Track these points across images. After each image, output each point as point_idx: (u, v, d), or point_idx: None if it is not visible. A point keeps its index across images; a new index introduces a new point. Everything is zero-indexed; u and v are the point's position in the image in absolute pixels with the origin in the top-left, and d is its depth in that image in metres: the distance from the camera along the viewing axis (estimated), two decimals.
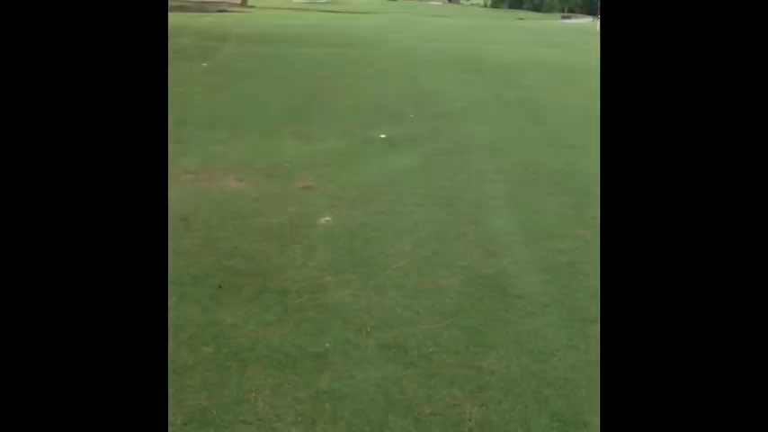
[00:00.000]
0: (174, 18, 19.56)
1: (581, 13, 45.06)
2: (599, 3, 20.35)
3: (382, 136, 7.60)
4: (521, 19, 21.65)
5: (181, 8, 24.77)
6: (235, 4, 33.11)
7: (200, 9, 28.00)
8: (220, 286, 3.96)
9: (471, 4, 58.57)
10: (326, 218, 5.06)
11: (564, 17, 42.00)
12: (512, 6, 53.10)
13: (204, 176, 5.97)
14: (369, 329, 3.56)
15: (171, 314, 3.61)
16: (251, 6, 33.85)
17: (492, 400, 3.01)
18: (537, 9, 51.22)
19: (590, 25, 20.57)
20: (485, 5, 57.32)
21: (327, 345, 3.41)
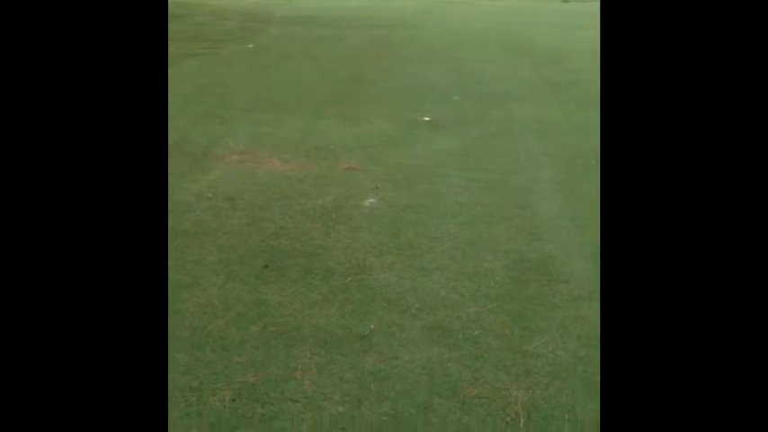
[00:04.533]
0: (218, 1, 19.67)
1: None
2: None
3: (426, 118, 7.57)
4: (565, 1, 21.34)
5: None
6: None
7: None
8: (266, 266, 3.99)
9: None
10: (371, 199, 5.07)
11: None
12: None
13: (249, 157, 6.01)
14: (413, 311, 3.56)
15: (218, 292, 3.66)
16: None
17: (538, 385, 3.00)
18: None
19: None
20: None
21: (372, 326, 3.42)
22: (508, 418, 2.79)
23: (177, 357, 3.07)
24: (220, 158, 5.96)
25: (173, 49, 10.57)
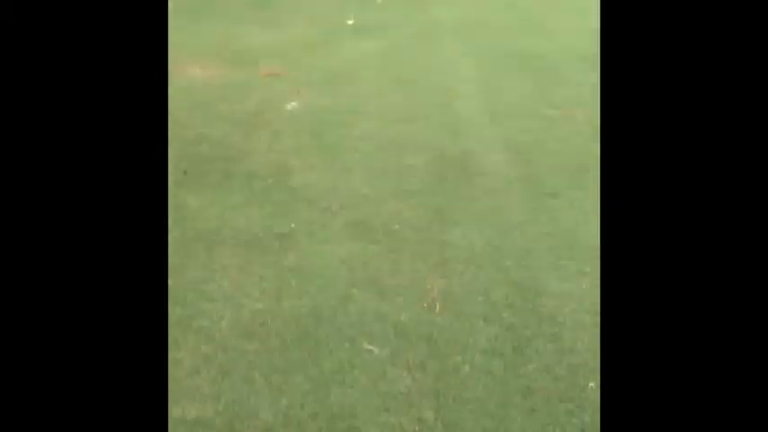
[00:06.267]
0: None
1: None
2: None
3: (350, 22, 7.46)
4: None
5: None
6: None
7: None
8: (185, 172, 3.95)
9: None
10: (292, 103, 5.02)
11: None
12: None
13: (170, 65, 5.85)
14: (334, 209, 3.59)
15: None
16: None
17: (454, 273, 3.08)
18: None
19: None
20: None
21: (293, 225, 3.44)
22: (425, 304, 2.87)
23: None
24: None
25: None
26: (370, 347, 2.62)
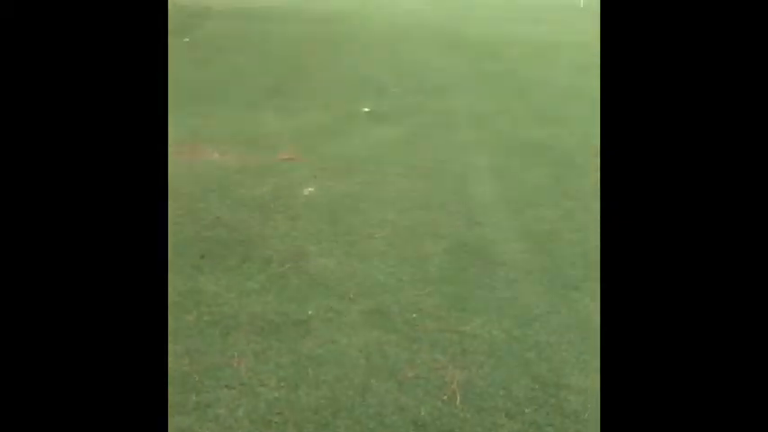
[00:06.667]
0: None
1: None
2: None
3: (366, 110, 7.57)
4: None
5: None
6: None
7: None
8: (203, 256, 3.94)
9: None
10: (309, 188, 5.05)
11: None
12: None
13: (187, 149, 5.92)
14: (352, 296, 3.56)
15: None
16: None
17: (474, 364, 3.03)
18: None
19: (575, 1, 20.52)
20: None
21: (310, 312, 3.41)
22: (445, 397, 2.81)
23: None
24: None
25: None
26: None
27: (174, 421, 2.60)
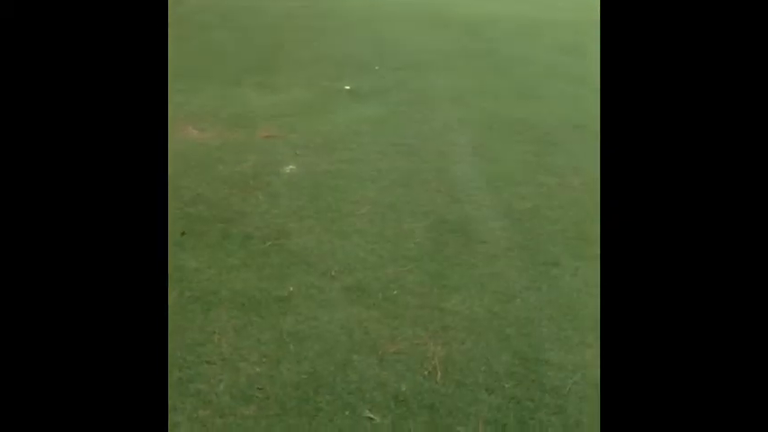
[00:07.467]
0: None
1: None
2: None
3: (347, 87, 7.53)
4: None
5: None
6: None
7: None
8: (183, 233, 3.93)
9: None
10: (290, 166, 5.03)
11: None
12: None
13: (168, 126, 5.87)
14: (333, 273, 3.56)
15: None
16: None
17: (455, 340, 3.05)
18: None
19: None
20: None
21: (291, 288, 3.41)
22: (426, 372, 2.83)
23: None
24: None
25: None
26: (370, 416, 2.57)
27: None
